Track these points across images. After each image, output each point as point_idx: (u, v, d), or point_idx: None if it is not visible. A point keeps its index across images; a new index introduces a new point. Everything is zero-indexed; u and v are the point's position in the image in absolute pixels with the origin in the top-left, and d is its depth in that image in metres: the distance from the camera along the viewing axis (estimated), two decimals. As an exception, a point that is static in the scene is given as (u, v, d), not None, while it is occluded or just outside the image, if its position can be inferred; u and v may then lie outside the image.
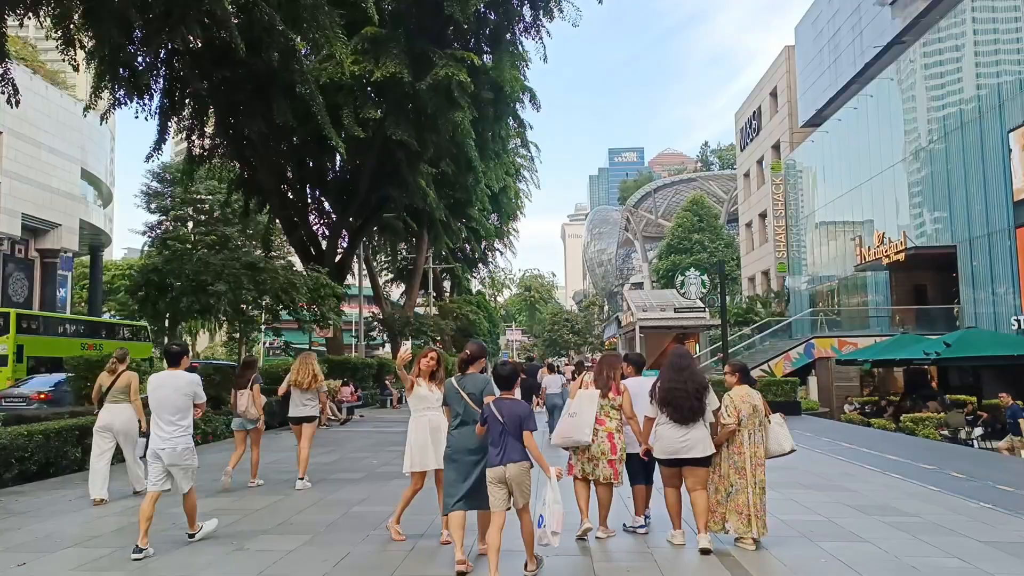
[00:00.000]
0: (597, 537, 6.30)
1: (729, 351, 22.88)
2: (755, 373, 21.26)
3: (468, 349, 5.99)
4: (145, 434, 7.55)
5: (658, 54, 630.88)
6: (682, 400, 5.91)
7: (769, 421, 6.19)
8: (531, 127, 30.48)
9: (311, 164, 24.33)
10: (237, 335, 44.04)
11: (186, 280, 15.06)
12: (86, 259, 54.17)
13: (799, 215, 39.29)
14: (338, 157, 23.35)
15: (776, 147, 43.46)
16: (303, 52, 17.60)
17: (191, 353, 10.76)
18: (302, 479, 8.93)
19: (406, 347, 5.64)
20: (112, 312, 54.63)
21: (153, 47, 16.55)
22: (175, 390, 6.11)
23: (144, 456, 7.10)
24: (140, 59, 18.35)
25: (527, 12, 21.69)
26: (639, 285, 71.28)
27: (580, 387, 6.39)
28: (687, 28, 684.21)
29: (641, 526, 6.59)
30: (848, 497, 8.17)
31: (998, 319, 22.14)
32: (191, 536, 6.34)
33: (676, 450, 5.94)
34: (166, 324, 19.27)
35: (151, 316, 17.66)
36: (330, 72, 18.72)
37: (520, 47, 23.66)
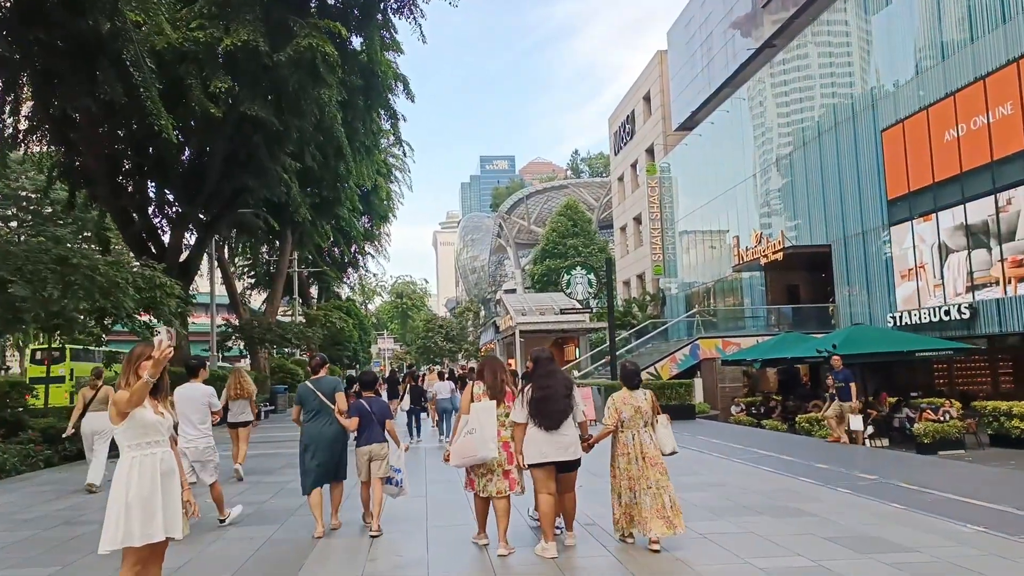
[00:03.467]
0: (499, 554, 5.93)
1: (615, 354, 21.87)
2: (642, 376, 20.42)
3: (317, 357, 7.50)
4: None
5: (527, 66, 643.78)
6: (553, 403, 5.91)
7: (657, 422, 6.28)
8: (405, 119, 28.44)
9: (151, 149, 21.09)
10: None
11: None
12: None
13: (674, 218, 39.54)
14: (184, 140, 20.34)
15: (650, 151, 43.74)
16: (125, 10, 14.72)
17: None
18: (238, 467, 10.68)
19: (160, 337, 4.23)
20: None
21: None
22: (194, 400, 7.51)
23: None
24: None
25: (399, -16, 19.77)
26: (512, 291, 70.59)
27: (471, 399, 6.13)
28: (555, 42, 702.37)
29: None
30: (816, 525, 6.74)
31: (873, 317, 22.48)
32: (221, 521, 7.36)
33: (546, 453, 5.87)
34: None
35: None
36: (169, 37, 15.95)
37: (392, 30, 21.72)
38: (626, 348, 29.45)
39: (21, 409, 13.86)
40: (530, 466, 5.95)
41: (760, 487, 8.99)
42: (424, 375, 23.28)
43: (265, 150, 20.07)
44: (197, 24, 17.02)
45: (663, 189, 40.92)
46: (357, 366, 49.34)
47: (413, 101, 25.91)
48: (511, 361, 32.13)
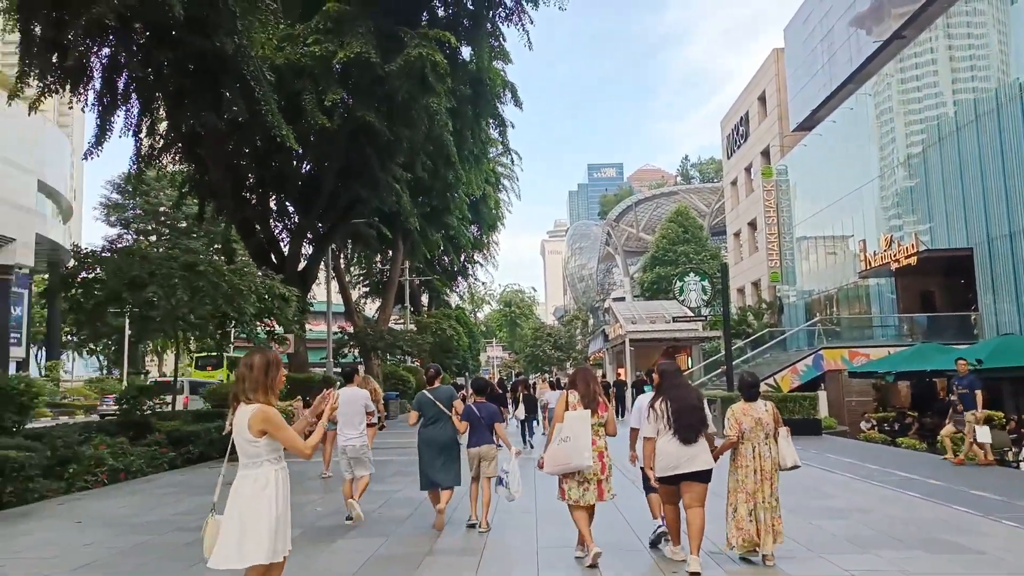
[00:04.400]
0: (595, 554, 5.88)
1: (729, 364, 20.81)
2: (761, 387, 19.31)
3: (432, 368, 8.03)
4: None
5: (635, 73, 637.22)
6: (690, 415, 5.81)
7: (778, 434, 6.10)
8: (513, 126, 28.42)
9: (272, 163, 22.01)
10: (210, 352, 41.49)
11: (116, 277, 12.64)
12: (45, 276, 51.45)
13: (791, 222, 37.61)
14: (302, 153, 21.09)
15: (766, 153, 41.87)
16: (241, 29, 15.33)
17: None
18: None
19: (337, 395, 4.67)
20: (70, 329, 51.80)
21: (75, 15, 14.26)
22: (355, 402, 8.10)
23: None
24: (70, 36, 16.04)
25: (508, -7, 19.69)
26: (620, 299, 69.52)
27: (566, 408, 6.05)
28: (663, 48, 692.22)
29: (660, 527, 6.43)
30: (985, 565, 5.84)
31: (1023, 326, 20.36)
32: (348, 518, 7.86)
33: (677, 465, 5.77)
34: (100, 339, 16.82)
35: (77, 324, 15.31)
36: (287, 54, 16.54)
37: (500, 38, 21.72)
38: (742, 358, 28.16)
39: (149, 412, 14.55)
40: (660, 479, 5.91)
41: (909, 516, 8.07)
42: (535, 384, 23.28)
43: (377, 161, 20.49)
44: (313, 40, 17.54)
45: (779, 192, 39.02)
46: (467, 374, 49.89)
47: (521, 109, 25.88)
48: (620, 370, 31.46)
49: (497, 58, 22.80)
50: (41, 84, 16.92)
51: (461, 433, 7.44)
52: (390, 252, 35.90)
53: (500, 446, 7.52)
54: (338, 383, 6.30)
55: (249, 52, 15.42)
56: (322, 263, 26.39)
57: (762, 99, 42.98)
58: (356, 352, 33.40)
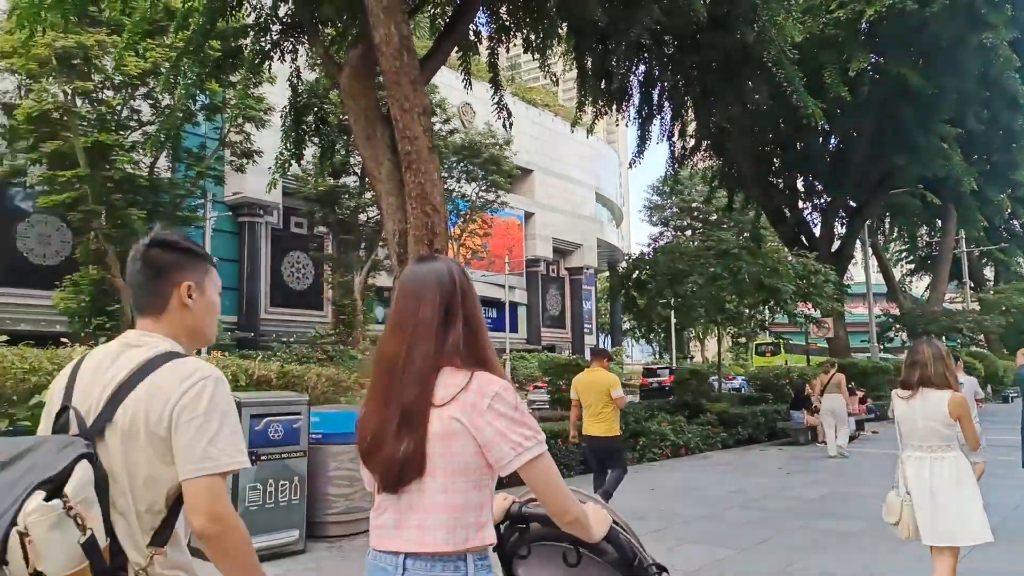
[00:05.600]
0: None
1: None
2: None
3: None
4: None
5: None
6: None
7: None
8: None
9: (798, 144, 21.60)
10: (743, 340, 43.15)
11: (661, 274, 14.16)
12: (606, 274, 60.29)
13: None
14: (827, 129, 20.18)
15: None
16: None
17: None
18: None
19: None
20: (628, 320, 59.47)
21: (620, 40, 16.33)
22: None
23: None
24: (613, 63, 18.50)
25: None
26: None
27: None
28: None
29: None
30: None
31: None
32: None
33: None
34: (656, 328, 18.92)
35: (637, 317, 17.45)
36: (808, 27, 16.02)
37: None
38: None
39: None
40: None
41: None
42: None
43: (916, 121, 18.33)
44: (836, 4, 16.62)
45: None
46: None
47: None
48: None
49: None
50: (594, 109, 19.87)
51: None
52: (938, 222, 31.63)
53: None
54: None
55: (770, 36, 15.45)
56: (857, 241, 24.78)
57: None
58: (904, 335, 30.37)
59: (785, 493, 8.97)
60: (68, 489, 1.34)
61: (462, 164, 29.98)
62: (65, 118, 19.08)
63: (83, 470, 1.37)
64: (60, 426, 1.51)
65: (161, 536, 1.49)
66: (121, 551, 1.42)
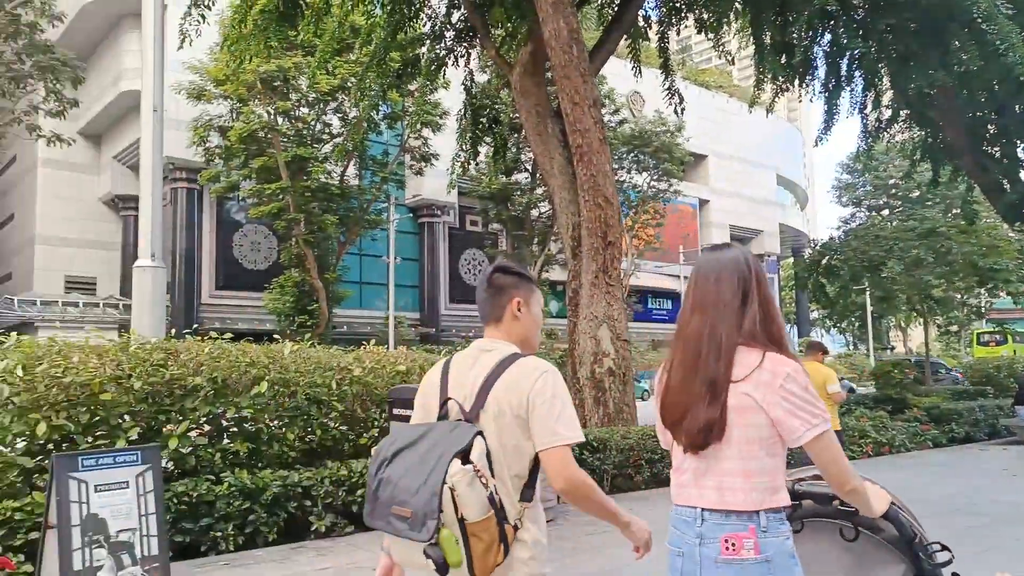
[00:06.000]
0: None
1: None
2: None
3: None
4: None
5: None
6: None
7: None
8: None
9: (1017, 107, 19.01)
10: (954, 328, 38.93)
11: (855, 259, 13.04)
12: (790, 261, 56.98)
13: None
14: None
15: None
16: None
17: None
18: None
19: None
20: (817, 310, 55.81)
21: (803, 9, 15.24)
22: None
23: None
24: (794, 34, 17.32)
25: None
26: None
27: None
28: None
29: None
30: None
31: None
32: None
33: None
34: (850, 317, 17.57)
35: (826, 306, 16.26)
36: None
37: None
38: None
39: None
40: None
41: None
42: None
43: None
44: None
45: None
46: None
47: None
48: None
49: None
50: (773, 86, 18.71)
51: None
52: None
53: None
54: None
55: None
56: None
57: None
58: None
59: (1010, 497, 7.97)
60: (472, 456, 1.77)
61: (632, 154, 29.54)
62: (269, 136, 21.11)
63: (480, 443, 1.81)
64: (443, 414, 1.96)
65: (526, 494, 1.90)
66: (502, 506, 1.81)
